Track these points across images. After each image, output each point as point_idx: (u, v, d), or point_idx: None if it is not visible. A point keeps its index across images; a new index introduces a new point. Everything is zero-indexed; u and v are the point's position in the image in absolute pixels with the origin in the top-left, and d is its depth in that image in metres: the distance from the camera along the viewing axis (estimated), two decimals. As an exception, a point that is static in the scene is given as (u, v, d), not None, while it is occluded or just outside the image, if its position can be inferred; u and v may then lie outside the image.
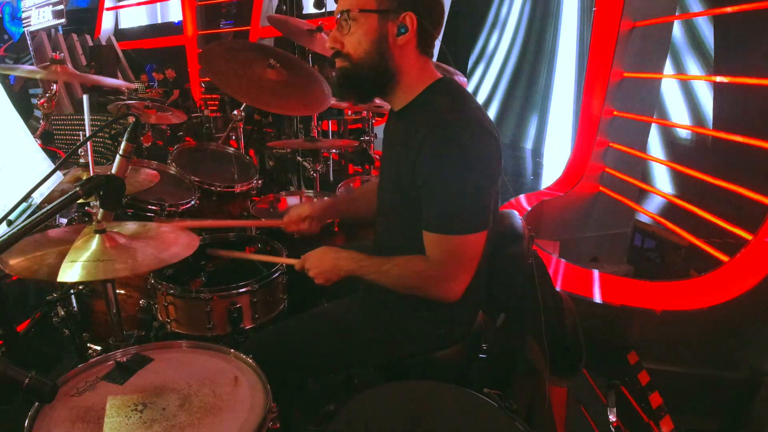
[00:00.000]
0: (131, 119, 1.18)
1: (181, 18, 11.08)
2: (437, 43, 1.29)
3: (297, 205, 1.66)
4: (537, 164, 8.13)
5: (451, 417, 1.07)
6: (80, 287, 1.76)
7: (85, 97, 2.02)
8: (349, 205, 1.73)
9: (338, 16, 1.23)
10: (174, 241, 1.27)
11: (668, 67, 4.46)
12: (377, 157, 3.26)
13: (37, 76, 1.73)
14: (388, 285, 1.26)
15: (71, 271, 1.07)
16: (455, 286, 1.21)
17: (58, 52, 2.50)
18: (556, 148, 7.94)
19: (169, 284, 1.57)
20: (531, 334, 1.38)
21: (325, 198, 1.68)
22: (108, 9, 12.47)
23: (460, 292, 1.22)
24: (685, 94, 5.36)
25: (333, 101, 2.40)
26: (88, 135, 1.40)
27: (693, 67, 5.28)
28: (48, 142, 5.35)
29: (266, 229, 2.11)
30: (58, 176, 1.76)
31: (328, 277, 1.32)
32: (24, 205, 1.48)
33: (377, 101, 2.81)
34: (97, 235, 1.15)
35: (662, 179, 5.45)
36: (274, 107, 2.24)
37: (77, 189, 1.01)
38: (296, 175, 3.85)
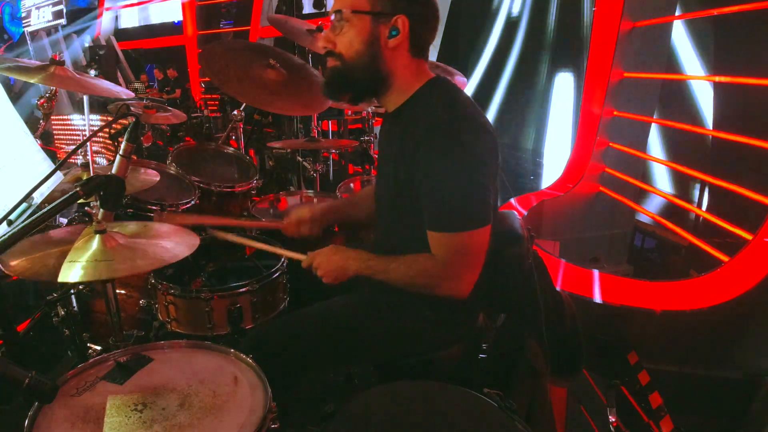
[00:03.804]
0: (131, 119, 1.18)
1: (180, 18, 11.08)
2: (437, 45, 1.29)
3: (297, 207, 1.64)
4: (537, 164, 8.10)
5: (451, 417, 1.07)
6: (80, 287, 1.76)
7: (85, 97, 2.03)
8: (350, 209, 1.71)
9: (332, 17, 1.23)
10: (175, 241, 1.27)
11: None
12: (377, 156, 3.26)
13: (33, 80, 1.73)
14: (395, 284, 1.25)
15: (71, 272, 1.07)
16: (462, 284, 1.21)
17: (57, 53, 2.50)
18: (556, 148, 7.92)
19: (169, 284, 1.57)
20: (531, 334, 1.38)
21: (326, 200, 1.64)
22: (108, 9, 12.47)
23: (468, 289, 1.22)
24: (684, 94, 5.34)
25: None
26: (88, 135, 1.40)
27: (693, 67, 5.27)
28: (48, 142, 5.35)
29: (266, 229, 2.10)
30: (58, 176, 1.76)
31: (336, 276, 1.31)
32: (24, 205, 1.48)
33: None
34: (98, 236, 1.15)
35: (662, 179, 5.45)
36: (274, 107, 2.24)
37: (77, 189, 1.01)
38: (296, 175, 3.85)
